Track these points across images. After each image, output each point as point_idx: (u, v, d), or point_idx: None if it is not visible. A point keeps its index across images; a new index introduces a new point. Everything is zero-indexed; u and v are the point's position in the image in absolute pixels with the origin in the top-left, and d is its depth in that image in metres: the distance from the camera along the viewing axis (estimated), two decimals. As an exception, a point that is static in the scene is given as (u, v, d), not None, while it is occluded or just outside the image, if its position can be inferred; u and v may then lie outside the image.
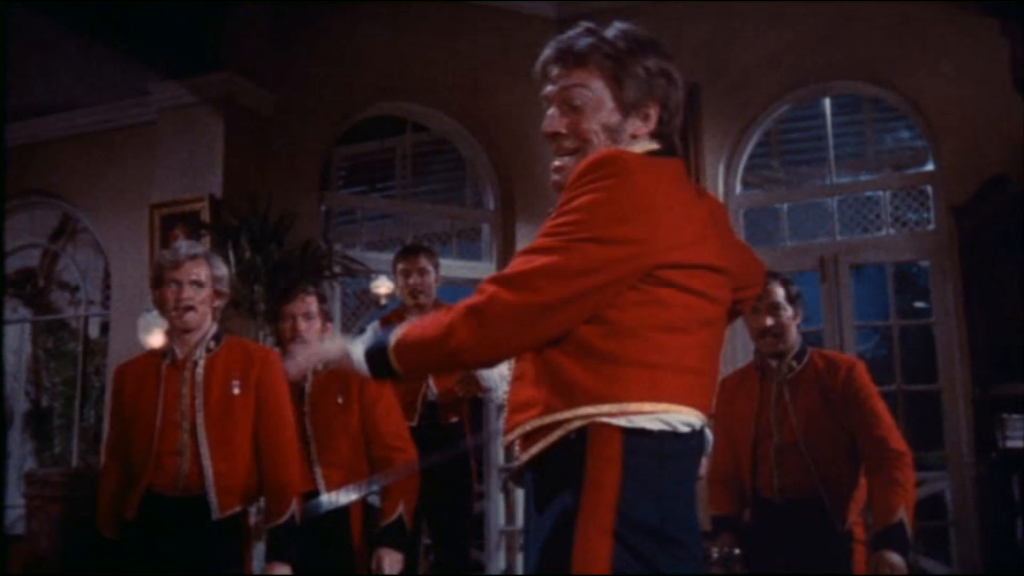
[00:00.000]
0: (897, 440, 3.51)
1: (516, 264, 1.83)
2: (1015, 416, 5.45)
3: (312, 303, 4.02)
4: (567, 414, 1.78)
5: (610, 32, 1.98)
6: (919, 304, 7.35)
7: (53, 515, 6.21)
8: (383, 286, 6.22)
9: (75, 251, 7.88)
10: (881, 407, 3.59)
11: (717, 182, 6.75)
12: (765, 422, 3.72)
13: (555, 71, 2.01)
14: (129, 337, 6.15)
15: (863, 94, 6.73)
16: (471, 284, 7.23)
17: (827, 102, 6.85)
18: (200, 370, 3.51)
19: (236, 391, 3.50)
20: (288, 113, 6.67)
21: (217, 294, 3.59)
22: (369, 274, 6.46)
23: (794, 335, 3.74)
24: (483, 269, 7.15)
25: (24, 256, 7.96)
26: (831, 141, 6.82)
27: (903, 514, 3.36)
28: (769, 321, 3.69)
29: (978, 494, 5.88)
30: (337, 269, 6.21)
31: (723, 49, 6.83)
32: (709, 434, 1.93)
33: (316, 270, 5.87)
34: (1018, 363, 5.57)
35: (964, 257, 5.99)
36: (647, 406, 1.78)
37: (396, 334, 1.94)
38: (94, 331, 7.88)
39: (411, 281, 5.01)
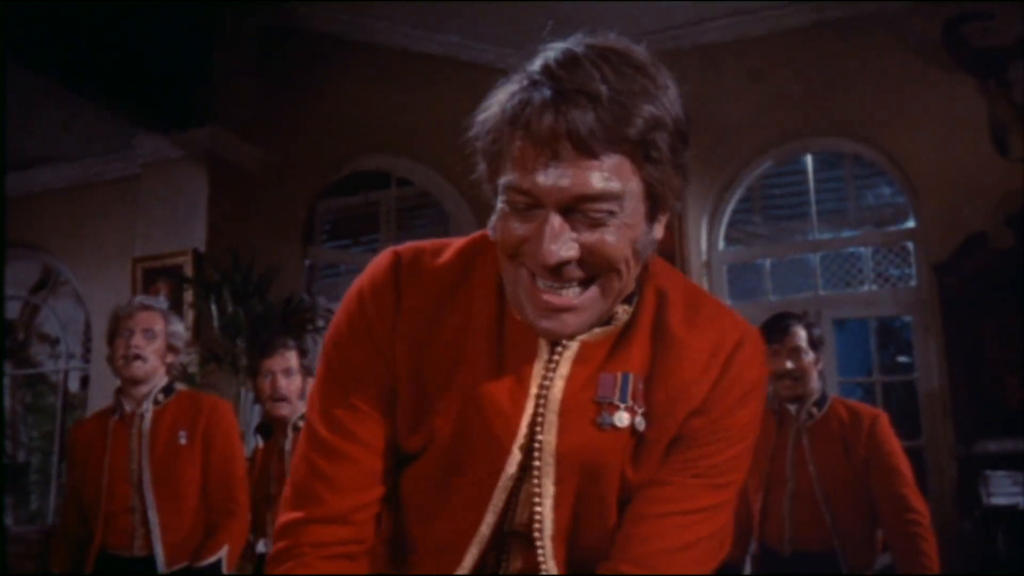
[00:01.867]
0: (918, 499, 3.41)
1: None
2: (999, 473, 5.44)
3: (292, 358, 3.92)
4: None
5: (625, 66, 1.21)
6: (902, 359, 7.36)
7: (28, 573, 6.12)
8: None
9: (56, 303, 7.84)
10: (904, 464, 3.48)
11: (700, 237, 6.79)
12: (779, 468, 3.60)
13: (566, 152, 1.15)
14: (109, 391, 6.09)
15: (844, 151, 6.79)
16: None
17: (809, 159, 6.91)
18: (147, 424, 3.42)
19: (183, 441, 3.41)
20: (273, 167, 6.68)
21: (170, 349, 3.51)
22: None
23: (815, 380, 3.63)
24: (466, 323, 7.12)
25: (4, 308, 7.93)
26: (813, 197, 6.87)
27: None
28: (789, 364, 3.58)
29: (962, 551, 5.85)
30: (320, 323, 6.18)
31: (706, 106, 6.88)
32: None
33: (299, 324, 5.84)
34: (1001, 420, 5.58)
35: (946, 313, 6.02)
36: None
37: None
38: (74, 385, 7.82)
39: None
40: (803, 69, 6.69)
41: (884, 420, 3.56)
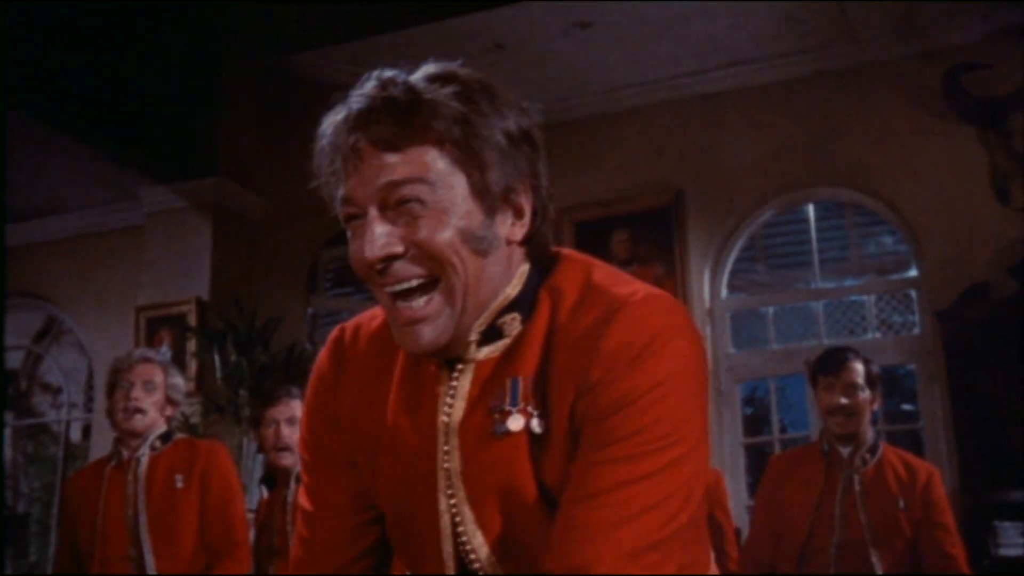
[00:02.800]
0: (964, 563, 3.31)
1: None
2: (1007, 524, 5.40)
3: (296, 407, 3.85)
4: None
5: (435, 77, 1.29)
6: (907, 407, 7.33)
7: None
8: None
9: (59, 353, 7.84)
10: (954, 523, 3.38)
11: (703, 286, 6.79)
12: (828, 514, 3.39)
13: (366, 150, 1.23)
14: (110, 441, 6.07)
15: (846, 200, 6.81)
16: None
17: (811, 208, 6.93)
18: (143, 469, 3.41)
19: (179, 485, 3.40)
20: (276, 217, 6.71)
21: (170, 401, 3.51)
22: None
23: (868, 421, 3.48)
24: (469, 372, 7.11)
25: (7, 358, 7.92)
26: (815, 246, 6.88)
27: None
28: (843, 400, 3.42)
29: (972, 603, 5.79)
30: (323, 372, 6.16)
31: (708, 155, 6.93)
32: None
33: (302, 373, 5.83)
34: (1008, 469, 5.54)
35: (950, 361, 6.00)
36: None
37: None
38: (75, 435, 7.79)
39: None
40: (804, 118, 6.73)
41: (937, 477, 3.45)
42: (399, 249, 1.21)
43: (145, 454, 3.44)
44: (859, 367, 3.46)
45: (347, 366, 1.41)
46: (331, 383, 1.41)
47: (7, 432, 8.11)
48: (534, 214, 1.28)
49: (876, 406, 3.50)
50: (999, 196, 6.14)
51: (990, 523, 5.42)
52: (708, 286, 6.82)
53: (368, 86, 1.31)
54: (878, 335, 6.65)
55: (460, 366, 1.29)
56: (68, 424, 7.77)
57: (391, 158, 1.21)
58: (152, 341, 6.18)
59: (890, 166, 6.52)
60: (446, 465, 1.27)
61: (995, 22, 6.24)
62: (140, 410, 3.41)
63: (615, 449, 1.16)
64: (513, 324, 1.28)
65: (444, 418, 1.28)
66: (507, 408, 1.24)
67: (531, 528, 1.25)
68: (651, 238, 6.86)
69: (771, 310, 6.92)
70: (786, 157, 6.74)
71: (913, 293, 6.56)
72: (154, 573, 3.29)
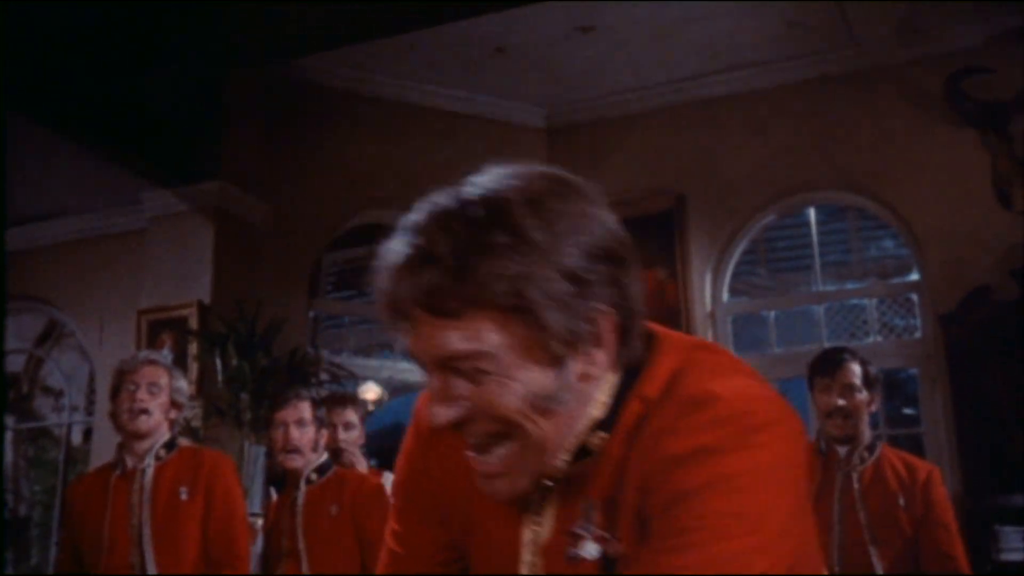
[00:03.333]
0: (966, 564, 3.27)
1: None
2: (1008, 528, 5.39)
3: (305, 409, 3.86)
4: None
5: (486, 221, 1.13)
6: (908, 411, 7.32)
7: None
8: (371, 391, 6.19)
9: (60, 356, 7.84)
10: (955, 522, 3.34)
11: (704, 289, 6.79)
12: (825, 514, 3.33)
13: (420, 316, 1.16)
14: (112, 444, 6.07)
15: (847, 204, 6.81)
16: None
17: (812, 211, 6.93)
18: (148, 479, 3.40)
19: (184, 497, 3.39)
20: (278, 221, 6.71)
21: (174, 404, 3.51)
22: (356, 380, 6.43)
23: (866, 422, 3.43)
24: (471, 376, 7.11)
25: (8, 361, 7.92)
26: (816, 249, 6.88)
27: None
28: (840, 401, 3.38)
29: (974, 607, 5.78)
30: (324, 376, 6.17)
31: (710, 159, 6.94)
32: None
33: (303, 377, 5.84)
34: (1010, 473, 5.53)
35: (952, 365, 6.00)
36: None
37: None
38: (77, 438, 7.79)
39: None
40: (806, 122, 6.73)
41: (938, 475, 3.40)
42: (462, 413, 1.14)
43: (151, 465, 3.43)
44: (856, 368, 3.42)
45: (434, 441, 1.35)
46: (427, 437, 1.34)
47: (8, 436, 8.11)
48: (621, 331, 1.17)
49: (874, 407, 3.46)
50: (1001, 200, 6.14)
51: (991, 527, 5.42)
52: (710, 290, 6.82)
53: (413, 230, 1.19)
54: (879, 338, 6.65)
55: (549, 483, 1.21)
56: (69, 427, 7.77)
57: (446, 327, 1.12)
58: (154, 344, 6.18)
59: (891, 170, 6.52)
60: (525, 572, 1.24)
61: (996, 25, 6.25)
62: (145, 411, 3.40)
63: (673, 540, 1.07)
64: (598, 441, 1.19)
65: (529, 533, 1.24)
66: (581, 532, 1.18)
67: None
68: (653, 242, 6.86)
69: (772, 314, 6.91)
70: (787, 161, 6.74)
71: (915, 297, 6.55)
72: None
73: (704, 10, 6.21)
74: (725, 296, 6.92)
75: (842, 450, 3.41)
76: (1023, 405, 5.68)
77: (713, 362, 1.19)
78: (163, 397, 3.46)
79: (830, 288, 6.85)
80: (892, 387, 7.29)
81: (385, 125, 7.10)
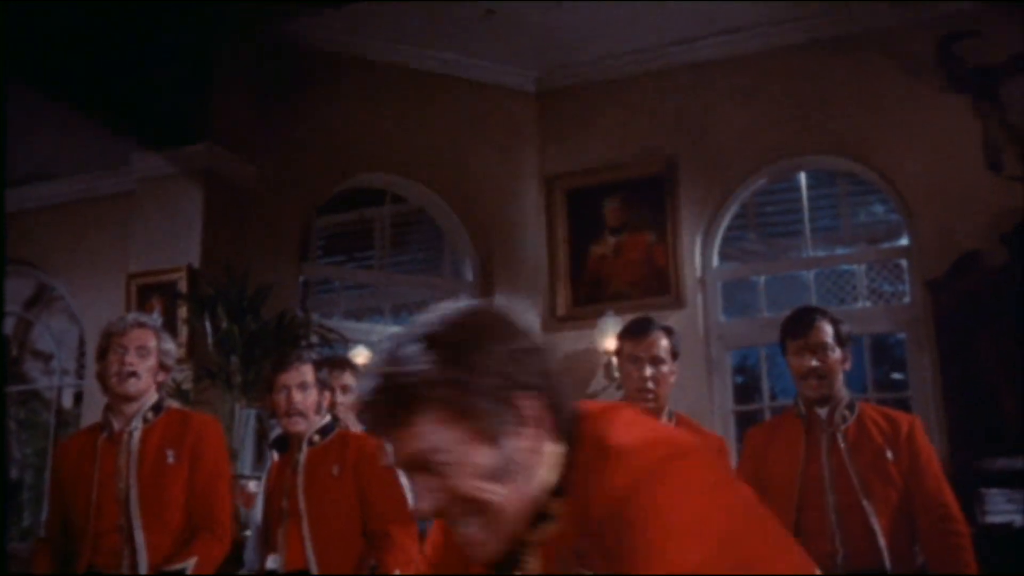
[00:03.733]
0: (958, 510, 3.23)
1: None
2: (994, 491, 5.44)
3: (308, 372, 3.82)
4: None
5: (420, 349, 1.42)
6: (896, 375, 7.36)
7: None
8: (361, 355, 6.19)
9: (50, 320, 7.82)
10: (941, 471, 3.30)
11: (694, 254, 6.79)
12: (815, 479, 3.29)
13: (388, 427, 1.43)
14: (102, 407, 6.08)
15: (837, 169, 6.81)
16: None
17: (803, 176, 6.93)
18: (135, 442, 3.41)
19: (170, 460, 3.40)
20: (268, 184, 6.69)
21: (162, 367, 3.51)
22: (347, 343, 6.43)
23: (841, 381, 3.39)
24: (461, 340, 7.13)
25: (-2, 325, 7.91)
26: (807, 215, 6.89)
27: None
28: (813, 362, 3.33)
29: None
30: (314, 339, 6.17)
31: (700, 123, 6.92)
32: None
33: (293, 340, 5.84)
34: (996, 437, 5.58)
35: (940, 330, 6.03)
36: None
37: None
38: (67, 401, 7.80)
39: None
40: (796, 87, 6.72)
41: (919, 424, 3.38)
42: (438, 503, 1.41)
43: (138, 427, 3.44)
44: (827, 327, 3.38)
45: None
46: None
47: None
48: (552, 410, 1.43)
49: (848, 365, 3.42)
50: (991, 165, 6.15)
51: (978, 490, 5.47)
52: (699, 255, 6.83)
53: (372, 377, 1.45)
54: (868, 304, 6.67)
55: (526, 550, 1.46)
56: (60, 390, 7.77)
57: (404, 436, 1.40)
58: (143, 308, 6.17)
59: (882, 134, 6.51)
60: None
61: (989, -10, 6.22)
62: (134, 374, 3.41)
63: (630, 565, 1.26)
64: (560, 505, 1.43)
65: None
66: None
67: None
68: (642, 206, 6.86)
69: (762, 279, 6.93)
70: (778, 125, 6.73)
71: (904, 262, 6.57)
72: (144, 547, 3.29)
73: (696, -27, 6.18)
74: (715, 261, 6.92)
75: (822, 412, 3.37)
76: (1010, 369, 5.72)
77: (625, 419, 1.44)
78: (152, 360, 3.46)
79: (820, 254, 6.86)
80: (880, 352, 7.33)
81: (375, 88, 7.07)
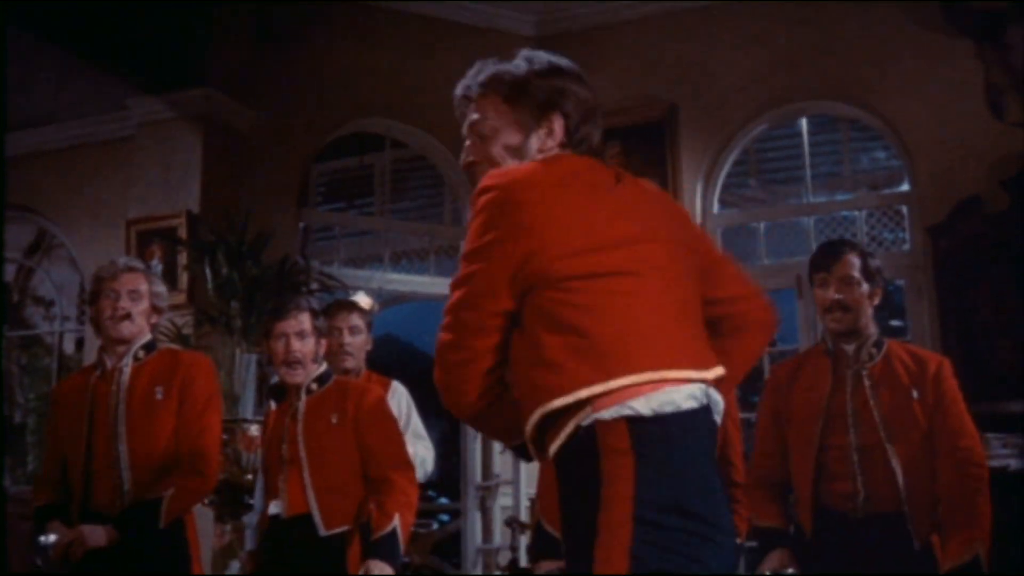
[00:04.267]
0: (980, 454, 3.18)
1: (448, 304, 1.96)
2: (989, 435, 5.47)
3: (306, 320, 3.80)
4: (569, 399, 1.76)
5: (510, 62, 2.08)
6: (895, 323, 7.39)
7: (25, 533, 6.15)
8: (362, 301, 6.20)
9: (50, 266, 7.83)
10: (967, 414, 3.20)
11: (695, 200, 6.78)
12: (840, 413, 3.20)
13: (463, 108, 2.11)
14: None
15: (839, 114, 6.78)
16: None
17: (804, 122, 6.90)
18: (125, 378, 3.47)
19: (159, 397, 3.45)
20: (267, 129, 6.66)
21: (155, 309, 3.56)
22: (347, 290, 6.45)
23: (869, 316, 3.25)
24: (461, 286, 7.15)
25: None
26: (807, 161, 6.87)
27: (980, 549, 3.03)
28: (836, 295, 3.21)
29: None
30: (314, 286, 6.19)
31: (701, 69, 6.88)
32: (717, 398, 1.84)
33: (293, 286, 5.85)
34: (993, 382, 5.60)
35: (939, 277, 6.04)
36: (633, 379, 1.74)
37: None
38: (69, 347, 7.83)
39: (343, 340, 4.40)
40: (799, 31, 6.66)
41: (948, 365, 3.27)
42: (476, 158, 2.07)
43: (128, 364, 3.49)
44: (855, 259, 3.25)
45: None
46: (590, 191, 2.05)
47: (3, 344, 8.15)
48: (568, 131, 2.05)
49: (876, 300, 3.27)
50: (993, 110, 6.12)
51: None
52: (700, 201, 6.82)
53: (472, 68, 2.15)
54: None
55: None
56: (61, 336, 7.80)
57: (470, 109, 2.10)
58: (143, 254, 6.18)
59: (885, 80, 6.47)
60: None
61: (995, -67, 6.15)
62: (128, 316, 3.46)
63: None
64: None
65: None
66: None
67: None
68: (643, 152, 6.83)
69: (762, 225, 6.92)
70: (780, 70, 6.69)
71: (904, 209, 6.56)
72: (130, 483, 3.35)
73: (699, -85, 6.10)
74: (715, 207, 6.92)
75: (849, 348, 3.26)
76: (1009, 315, 5.73)
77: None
78: (144, 303, 3.51)
79: (820, 200, 6.85)
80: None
81: (374, 33, 7.01)
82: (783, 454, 3.33)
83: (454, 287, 1.93)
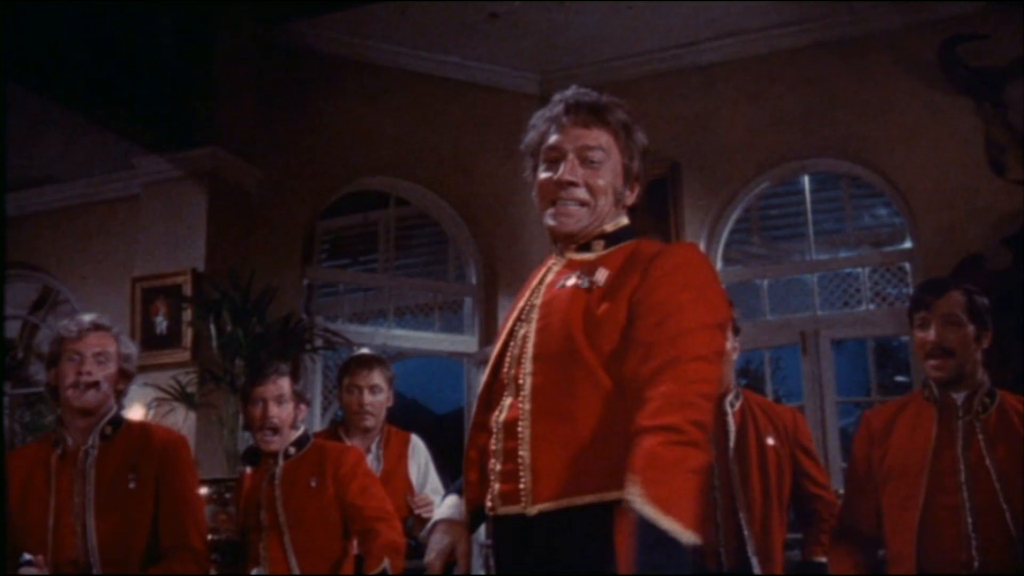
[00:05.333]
0: None
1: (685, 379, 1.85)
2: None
3: (284, 385, 3.70)
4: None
5: (614, 100, 2.18)
6: (900, 378, 7.37)
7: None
8: (365, 357, 6.20)
9: (55, 323, 7.82)
10: None
11: (698, 257, 6.79)
12: (947, 474, 2.83)
13: (570, 123, 2.15)
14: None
15: (841, 172, 6.81)
16: (453, 357, 7.23)
17: (806, 179, 6.93)
18: (91, 461, 3.02)
19: (132, 486, 3.03)
20: (272, 187, 6.70)
21: (123, 375, 3.15)
22: (351, 347, 6.44)
23: (978, 362, 2.94)
24: (465, 342, 7.14)
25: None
26: (810, 218, 6.89)
27: None
28: (933, 336, 2.90)
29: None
30: (318, 342, 6.19)
31: (704, 127, 6.93)
32: None
33: (297, 343, 5.85)
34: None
35: (943, 333, 6.01)
36: None
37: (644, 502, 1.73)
38: (72, 404, 7.80)
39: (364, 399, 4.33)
40: (800, 90, 6.72)
41: None
42: (574, 181, 2.12)
43: (95, 444, 3.07)
44: (959, 297, 2.94)
45: None
46: None
47: (5, 401, 8.13)
48: (636, 200, 2.20)
49: (985, 343, 2.95)
50: (994, 168, 6.15)
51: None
52: (703, 257, 6.82)
53: (569, 94, 2.22)
54: (872, 307, 6.67)
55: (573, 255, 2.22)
56: (65, 394, 7.78)
57: (584, 134, 2.13)
58: (148, 312, 6.19)
59: (886, 137, 6.52)
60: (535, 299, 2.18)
61: (992, -8, 6.23)
62: (95, 384, 3.05)
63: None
64: (599, 246, 2.17)
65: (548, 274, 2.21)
66: (574, 277, 2.11)
67: None
68: (646, 209, 6.81)
69: (766, 282, 6.93)
70: (781, 128, 6.74)
71: (907, 265, 6.57)
72: None
73: (699, -24, 6.19)
74: (719, 264, 6.93)
75: (959, 396, 2.93)
76: (1013, 373, 5.71)
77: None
78: (112, 367, 3.10)
79: (823, 257, 6.86)
80: (885, 355, 7.33)
81: (379, 91, 7.08)
82: (876, 509, 3.01)
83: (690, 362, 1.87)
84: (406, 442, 4.55)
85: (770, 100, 6.77)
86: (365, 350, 6.26)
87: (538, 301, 2.11)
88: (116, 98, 6.10)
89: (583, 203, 2.11)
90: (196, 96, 6.43)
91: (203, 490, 5.29)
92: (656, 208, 6.87)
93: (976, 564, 2.75)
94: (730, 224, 6.95)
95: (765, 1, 6.45)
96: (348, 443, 4.25)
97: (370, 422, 4.34)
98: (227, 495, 5.12)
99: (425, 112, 7.10)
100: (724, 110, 6.88)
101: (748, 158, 6.82)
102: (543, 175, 2.17)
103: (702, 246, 6.83)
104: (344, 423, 4.49)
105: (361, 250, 7.62)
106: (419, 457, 4.56)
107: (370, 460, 4.31)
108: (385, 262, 7.45)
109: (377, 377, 4.35)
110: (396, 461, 4.49)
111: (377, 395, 4.34)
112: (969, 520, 2.78)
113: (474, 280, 7.30)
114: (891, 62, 6.53)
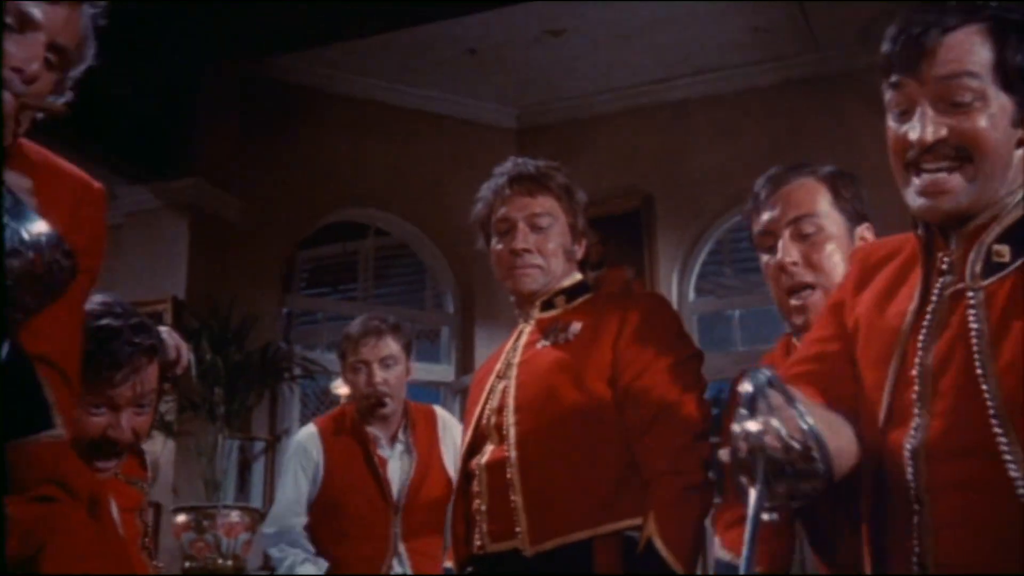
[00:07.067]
0: None
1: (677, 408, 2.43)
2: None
3: (392, 344, 3.57)
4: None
5: (551, 165, 2.45)
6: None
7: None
8: (342, 387, 6.25)
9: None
10: None
11: (671, 288, 6.90)
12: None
13: (515, 194, 2.40)
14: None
15: (811, 205, 6.93)
16: (430, 386, 7.28)
17: (777, 212, 7.04)
18: None
19: None
20: (253, 217, 6.77)
21: None
22: (329, 375, 6.51)
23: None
24: (442, 371, 7.21)
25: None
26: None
27: None
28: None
29: None
30: (297, 371, 6.25)
31: (676, 160, 7.05)
32: None
33: (276, 372, 5.91)
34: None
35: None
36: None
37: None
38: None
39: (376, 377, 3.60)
40: (771, 125, 6.86)
41: None
42: (526, 247, 2.48)
43: None
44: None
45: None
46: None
47: None
48: (584, 254, 2.67)
49: None
50: (960, 202, 6.28)
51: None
52: (676, 289, 6.94)
53: (512, 163, 2.56)
54: (841, 337, 6.77)
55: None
56: (42, 422, 7.78)
57: (531, 203, 2.43)
58: (128, 339, 6.22)
59: (854, 172, 6.61)
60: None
61: (956, 33, 6.38)
62: None
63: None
64: (561, 302, 2.66)
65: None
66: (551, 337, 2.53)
67: None
68: (621, 242, 6.96)
69: (737, 313, 7.04)
70: (753, 163, 6.81)
71: (876, 297, 6.69)
72: None
73: (671, 14, 6.32)
74: (691, 295, 7.04)
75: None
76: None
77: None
78: None
79: (794, 288, 6.97)
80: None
81: (359, 124, 7.18)
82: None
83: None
84: (433, 419, 3.84)
85: (741, 135, 6.91)
86: (341, 380, 6.33)
87: (516, 360, 2.38)
88: (98, 129, 6.17)
89: (538, 267, 2.38)
90: (176, 128, 6.50)
91: (181, 518, 5.36)
92: (630, 239, 6.98)
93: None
94: (703, 255, 7.07)
95: (736, 39, 6.61)
96: (369, 432, 3.67)
97: (388, 407, 3.62)
98: (205, 523, 5.17)
99: (404, 145, 7.20)
100: (697, 145, 7.01)
101: (720, 191, 6.93)
102: (497, 247, 2.43)
103: (675, 277, 6.95)
104: (359, 409, 3.73)
105: (341, 279, 7.69)
106: (451, 433, 3.76)
107: (399, 452, 3.69)
108: (364, 291, 7.52)
109: (390, 345, 3.59)
110: (429, 447, 3.75)
111: (392, 368, 3.60)
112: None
113: (451, 309, 7.38)
114: (859, 100, 6.67)
